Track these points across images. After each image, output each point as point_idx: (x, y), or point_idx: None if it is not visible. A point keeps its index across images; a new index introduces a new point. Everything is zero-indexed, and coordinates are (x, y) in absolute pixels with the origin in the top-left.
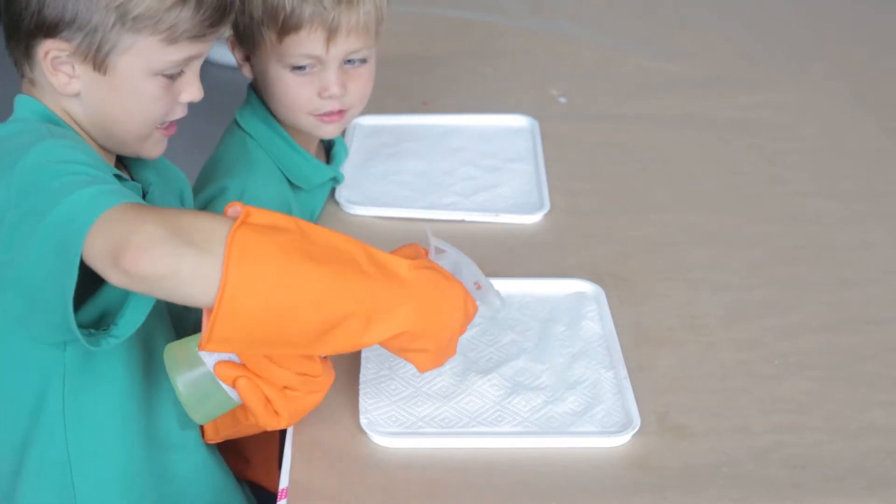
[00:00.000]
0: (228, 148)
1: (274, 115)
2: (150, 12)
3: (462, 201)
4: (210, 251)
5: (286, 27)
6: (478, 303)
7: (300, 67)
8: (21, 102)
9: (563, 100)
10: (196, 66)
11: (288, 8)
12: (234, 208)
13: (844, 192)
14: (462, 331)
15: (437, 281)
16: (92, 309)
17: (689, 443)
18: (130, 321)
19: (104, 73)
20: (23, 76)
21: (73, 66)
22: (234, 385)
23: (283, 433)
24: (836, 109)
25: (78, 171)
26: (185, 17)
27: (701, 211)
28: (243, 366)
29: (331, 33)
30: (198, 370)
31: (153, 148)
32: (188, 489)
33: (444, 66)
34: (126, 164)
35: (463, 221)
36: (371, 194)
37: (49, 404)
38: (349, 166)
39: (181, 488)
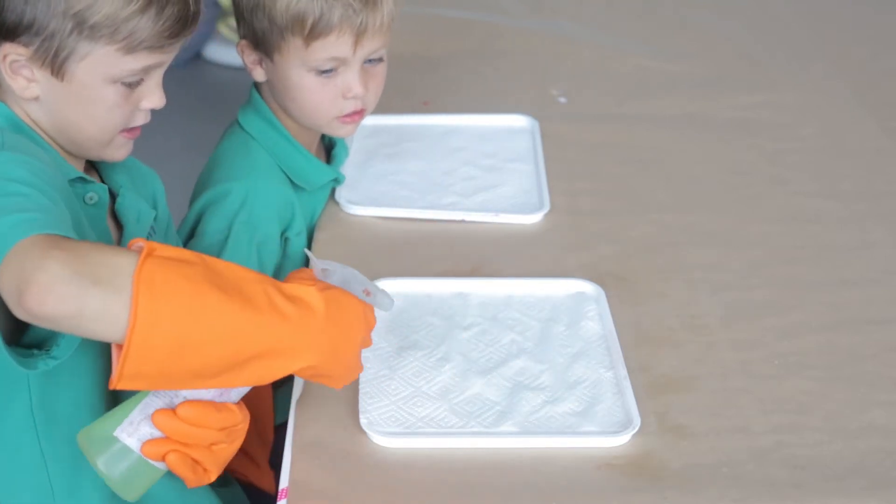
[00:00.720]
0: (230, 149)
1: (277, 117)
2: (108, 21)
3: (462, 201)
4: (117, 288)
5: (315, 32)
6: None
7: (326, 71)
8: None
9: (563, 100)
10: (157, 75)
11: (317, 13)
12: (137, 244)
13: (844, 192)
14: (366, 344)
15: (341, 301)
16: (38, 329)
17: (689, 443)
18: (70, 342)
19: (62, 80)
20: None
21: (32, 71)
22: (163, 459)
23: (282, 433)
24: (836, 109)
25: (12, 193)
26: (143, 27)
27: (701, 211)
28: (168, 439)
29: (359, 36)
30: (117, 449)
31: (116, 151)
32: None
33: (444, 66)
34: (97, 167)
35: (463, 221)
36: (371, 194)
37: (17, 408)
38: (349, 166)
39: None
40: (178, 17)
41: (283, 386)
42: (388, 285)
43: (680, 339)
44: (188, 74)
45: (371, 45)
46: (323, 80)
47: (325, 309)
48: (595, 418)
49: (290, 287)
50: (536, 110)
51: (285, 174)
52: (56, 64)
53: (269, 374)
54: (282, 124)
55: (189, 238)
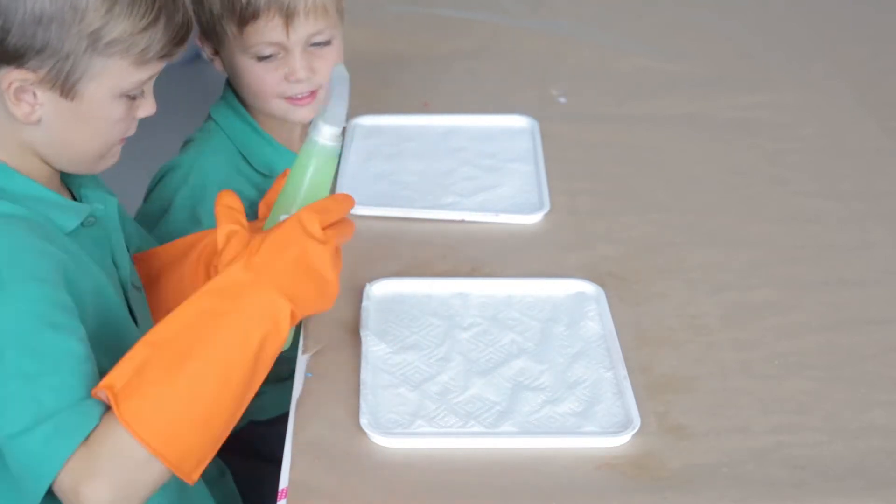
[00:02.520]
0: (195, 135)
1: (247, 107)
2: (124, 36)
3: (462, 201)
4: (133, 457)
5: (244, 17)
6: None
7: (267, 56)
8: None
9: (563, 100)
10: (152, 83)
11: None
12: (101, 392)
13: (844, 192)
14: (335, 262)
15: (272, 247)
16: None
17: (689, 443)
18: None
19: (71, 100)
20: None
21: (36, 94)
22: None
23: (280, 431)
24: (836, 109)
25: (36, 377)
26: (157, 38)
27: (701, 211)
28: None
29: (288, 18)
30: None
31: (108, 162)
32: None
33: (444, 66)
34: (65, 181)
35: (463, 221)
36: (371, 194)
37: None
38: (349, 166)
39: None
40: (183, 22)
41: (274, 382)
42: (389, 285)
43: (680, 339)
44: (188, 74)
45: (307, 28)
46: (266, 66)
47: (258, 271)
48: (595, 418)
49: (220, 280)
50: (536, 110)
51: (246, 160)
52: (67, 85)
53: (274, 349)
54: (249, 114)
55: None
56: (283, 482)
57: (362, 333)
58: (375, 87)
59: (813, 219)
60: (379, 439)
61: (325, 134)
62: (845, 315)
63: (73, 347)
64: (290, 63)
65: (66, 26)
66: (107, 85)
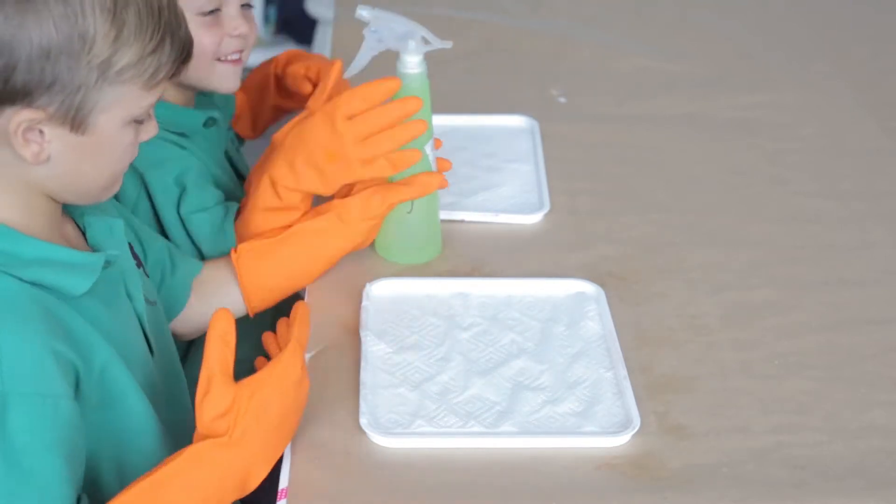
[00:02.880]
0: None
1: None
2: (134, 61)
3: (462, 201)
4: None
5: None
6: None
7: (207, 13)
8: None
9: (563, 100)
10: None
11: None
12: None
13: (844, 192)
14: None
15: (264, 416)
16: None
17: (689, 443)
18: None
19: (82, 133)
20: None
21: (43, 132)
22: None
23: None
24: (836, 109)
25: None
26: (165, 58)
27: (701, 211)
28: None
29: None
30: None
31: (114, 191)
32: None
33: (444, 66)
34: (67, 210)
35: (463, 221)
36: None
37: None
38: None
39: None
40: (188, 38)
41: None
42: (389, 285)
43: (680, 339)
44: None
45: None
46: (205, 23)
47: (240, 445)
48: (595, 418)
49: (200, 451)
50: (536, 110)
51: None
52: (77, 119)
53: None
54: None
55: None
56: (283, 482)
57: (362, 333)
58: None
59: (813, 219)
60: (379, 439)
61: (411, 64)
62: (845, 315)
63: (59, 470)
64: (227, 20)
65: (75, 58)
66: (118, 114)
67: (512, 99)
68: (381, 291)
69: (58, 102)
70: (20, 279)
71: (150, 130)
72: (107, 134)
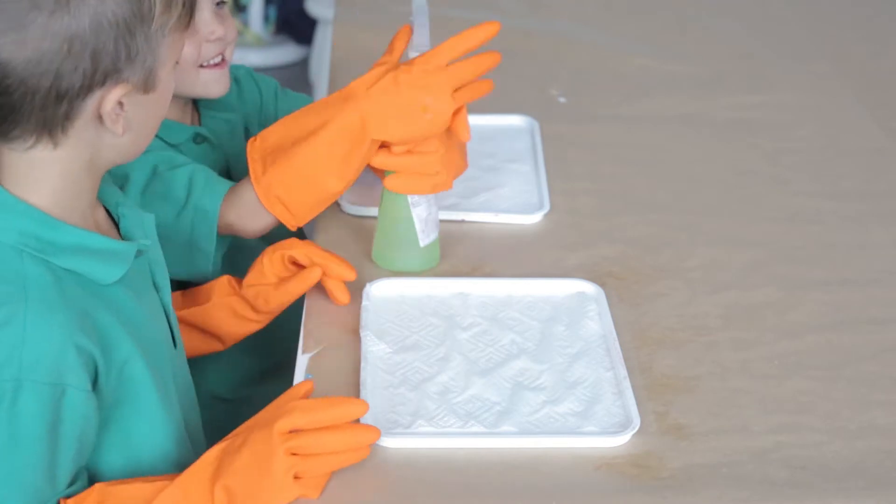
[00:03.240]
0: None
1: None
2: (179, 10)
3: (462, 201)
4: None
5: None
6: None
7: None
8: None
9: (563, 100)
10: None
11: None
12: None
13: (844, 192)
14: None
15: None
16: None
17: (689, 443)
18: None
19: (152, 92)
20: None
21: (123, 103)
22: None
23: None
24: (836, 109)
25: None
26: (189, 2)
27: (701, 211)
28: None
29: None
30: None
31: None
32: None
33: None
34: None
35: (463, 222)
36: (372, 194)
37: None
38: None
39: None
40: None
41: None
42: (389, 285)
43: (680, 339)
44: None
45: None
46: None
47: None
48: (595, 418)
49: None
50: (536, 110)
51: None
52: (150, 80)
53: None
54: None
55: None
56: None
57: (362, 333)
58: None
59: (813, 219)
60: (379, 439)
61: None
62: (845, 315)
63: (43, 467)
64: (202, 25)
65: (148, 24)
66: (171, 62)
67: (512, 99)
68: (381, 291)
69: (139, 71)
70: (55, 266)
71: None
72: (165, 83)
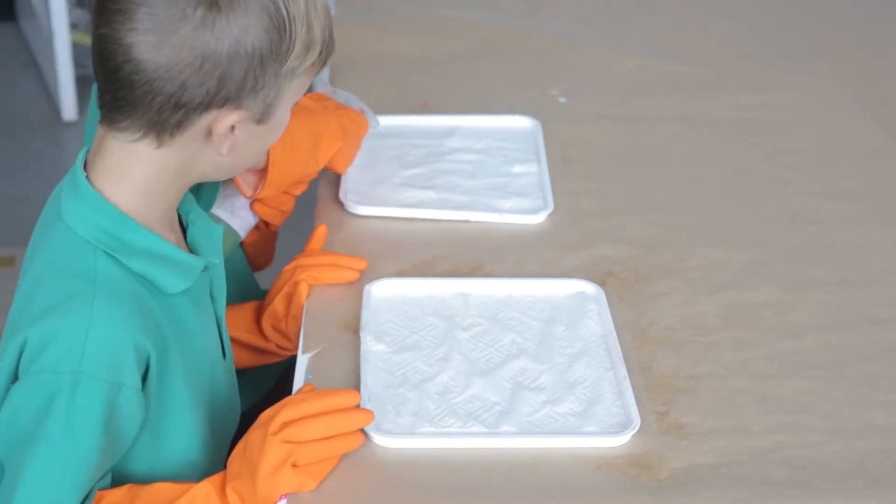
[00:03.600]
0: None
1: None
2: (315, 58)
3: (463, 201)
4: None
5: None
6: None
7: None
8: (75, 214)
9: (562, 100)
10: None
11: None
12: None
13: (844, 192)
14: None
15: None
16: None
17: (689, 443)
18: None
19: (265, 124)
20: (130, 139)
21: (234, 127)
22: None
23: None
24: (836, 109)
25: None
26: (329, 50)
27: (701, 211)
28: None
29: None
30: None
31: None
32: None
33: (444, 66)
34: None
35: (468, 222)
36: (372, 194)
37: None
38: (350, 167)
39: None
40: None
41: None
42: (389, 285)
43: (680, 339)
44: None
45: None
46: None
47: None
48: (595, 418)
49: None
50: (536, 110)
51: None
52: (267, 113)
53: None
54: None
55: None
56: None
57: (362, 333)
58: (375, 87)
59: (813, 219)
60: (379, 439)
61: None
62: (845, 315)
63: (95, 461)
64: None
65: (280, 62)
66: (292, 102)
67: (512, 99)
68: (381, 291)
69: (260, 103)
70: (125, 267)
71: None
72: (281, 119)
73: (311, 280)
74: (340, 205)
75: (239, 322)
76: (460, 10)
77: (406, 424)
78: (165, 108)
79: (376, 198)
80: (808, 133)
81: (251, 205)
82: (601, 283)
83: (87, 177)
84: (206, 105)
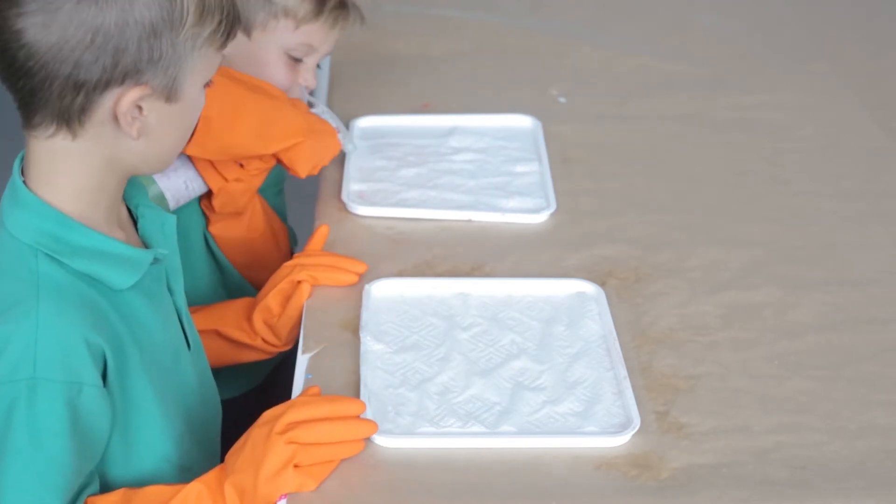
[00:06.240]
0: None
1: None
2: (215, 26)
3: (464, 201)
4: None
5: (315, 15)
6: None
7: (296, 59)
8: (14, 219)
9: (562, 100)
10: None
11: None
12: None
13: (844, 192)
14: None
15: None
16: None
17: (689, 443)
18: None
19: (175, 102)
20: (45, 138)
21: (142, 108)
22: None
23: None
24: (836, 109)
25: None
26: (234, 18)
27: (701, 211)
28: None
29: (341, 30)
30: None
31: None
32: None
33: (444, 66)
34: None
35: (470, 221)
36: (374, 195)
37: None
38: (350, 167)
39: None
40: None
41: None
42: (389, 285)
43: (680, 338)
44: None
45: (332, 45)
46: (290, 65)
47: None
48: (595, 418)
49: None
50: (536, 110)
51: None
52: (173, 89)
53: None
54: None
55: None
56: None
57: (362, 333)
58: (375, 88)
59: (813, 219)
60: (379, 439)
61: None
62: (845, 315)
63: (70, 456)
64: (304, 71)
65: (176, 31)
66: (200, 78)
67: (512, 99)
68: (381, 291)
69: (161, 76)
70: (69, 268)
71: (207, 86)
72: (191, 98)
73: (310, 280)
74: (341, 205)
75: (230, 317)
76: (460, 10)
77: (406, 424)
78: (66, 93)
79: (377, 198)
80: (808, 133)
81: (194, 161)
82: (601, 283)
83: (24, 182)
84: (106, 82)
